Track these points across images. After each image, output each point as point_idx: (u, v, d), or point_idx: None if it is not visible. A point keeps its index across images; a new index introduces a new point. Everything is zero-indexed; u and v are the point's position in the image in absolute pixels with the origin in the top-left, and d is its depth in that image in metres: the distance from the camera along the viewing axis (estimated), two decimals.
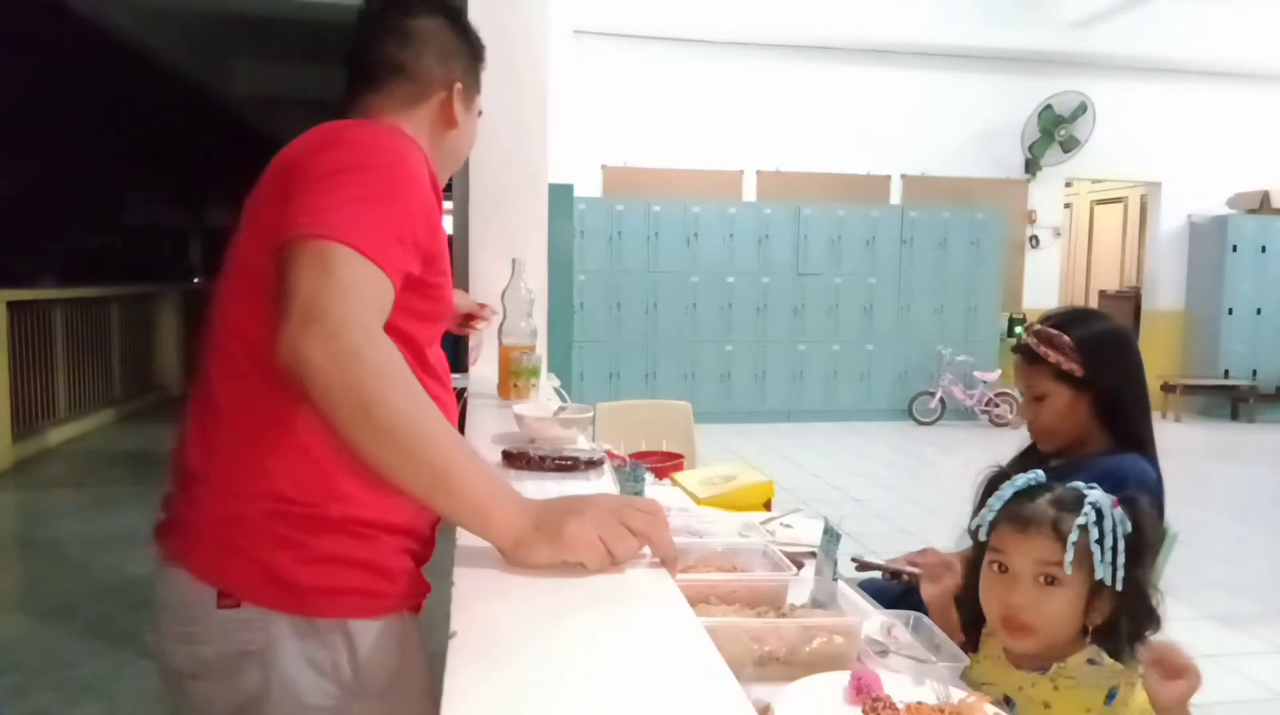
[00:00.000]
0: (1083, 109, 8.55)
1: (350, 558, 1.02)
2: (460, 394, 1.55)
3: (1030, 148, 8.68)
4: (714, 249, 7.97)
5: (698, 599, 1.12)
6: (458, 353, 2.35)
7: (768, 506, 2.05)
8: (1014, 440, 1.89)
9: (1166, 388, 8.69)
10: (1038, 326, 1.72)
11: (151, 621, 1.05)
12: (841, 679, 0.97)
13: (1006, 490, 1.21)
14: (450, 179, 1.46)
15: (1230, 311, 8.85)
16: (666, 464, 2.37)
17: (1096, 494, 1.15)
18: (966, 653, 1.19)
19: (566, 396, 2.12)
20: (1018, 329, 8.27)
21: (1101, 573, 1.12)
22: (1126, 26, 8.09)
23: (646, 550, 0.92)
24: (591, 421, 1.74)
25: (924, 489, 5.80)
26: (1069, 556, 1.11)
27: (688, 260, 7.94)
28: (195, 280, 12.74)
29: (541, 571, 0.88)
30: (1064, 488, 1.19)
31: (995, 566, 1.20)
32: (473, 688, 0.65)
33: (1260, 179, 9.01)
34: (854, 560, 1.84)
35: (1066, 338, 1.66)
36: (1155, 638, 1.12)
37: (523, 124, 2.63)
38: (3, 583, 4.05)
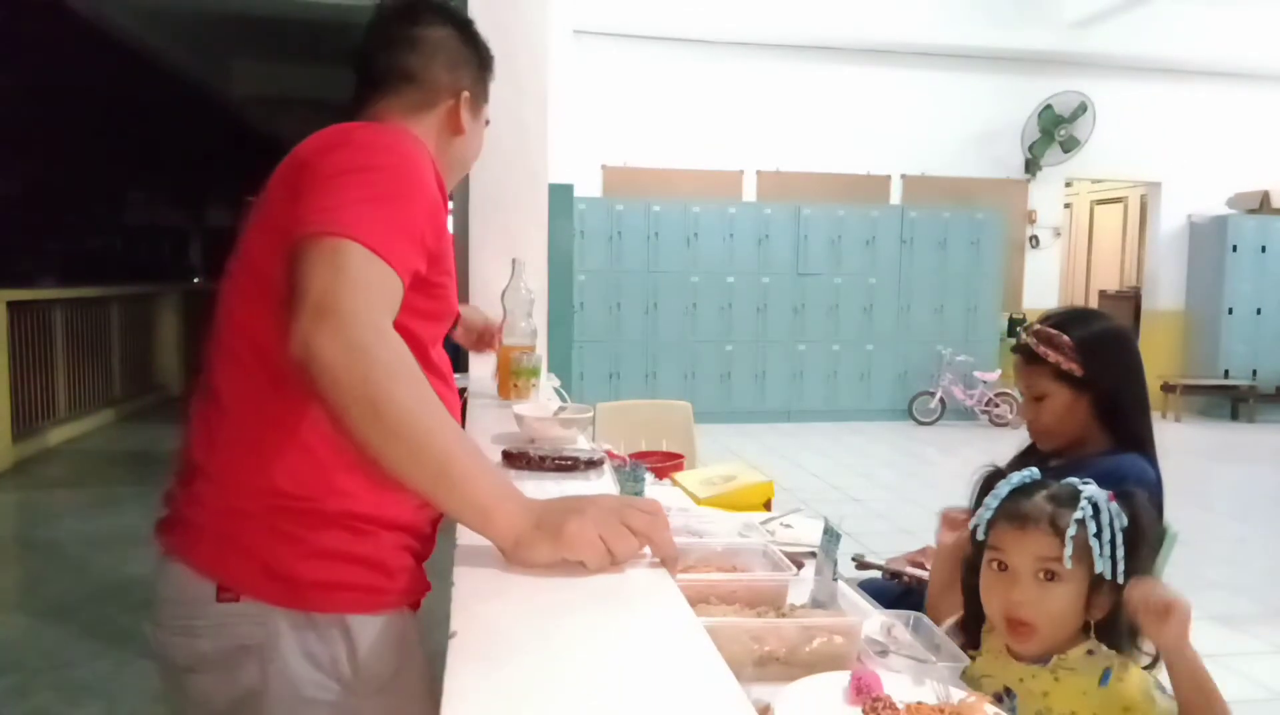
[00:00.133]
0: (1083, 109, 8.56)
1: (349, 553, 1.02)
2: (460, 393, 1.55)
3: (1030, 148, 8.69)
4: (714, 249, 7.97)
5: (698, 599, 1.12)
6: (459, 353, 2.35)
7: (768, 506, 2.05)
8: (1014, 440, 1.89)
9: (1166, 388, 8.69)
10: (1037, 326, 1.72)
11: (152, 615, 1.06)
12: (841, 679, 0.97)
13: (1003, 488, 1.21)
14: None
15: (1230, 311, 8.85)
16: (666, 464, 2.37)
17: (1091, 489, 1.16)
18: (966, 650, 1.19)
19: (566, 396, 2.12)
20: (1018, 329, 8.27)
21: (1101, 567, 1.12)
22: (1126, 26, 8.09)
23: (647, 550, 0.92)
24: (591, 421, 1.74)
25: (924, 489, 5.80)
26: (1068, 551, 1.12)
27: (688, 260, 7.94)
28: (195, 280, 12.74)
29: (541, 571, 0.88)
30: (1059, 484, 1.19)
31: (995, 565, 1.20)
32: (473, 688, 0.65)
33: (1260, 179, 9.01)
34: (854, 559, 1.84)
35: (1066, 338, 1.66)
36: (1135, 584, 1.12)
37: (523, 124, 2.63)
38: (3, 583, 4.05)
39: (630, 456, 2.07)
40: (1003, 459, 1.58)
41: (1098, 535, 1.12)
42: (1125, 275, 10.76)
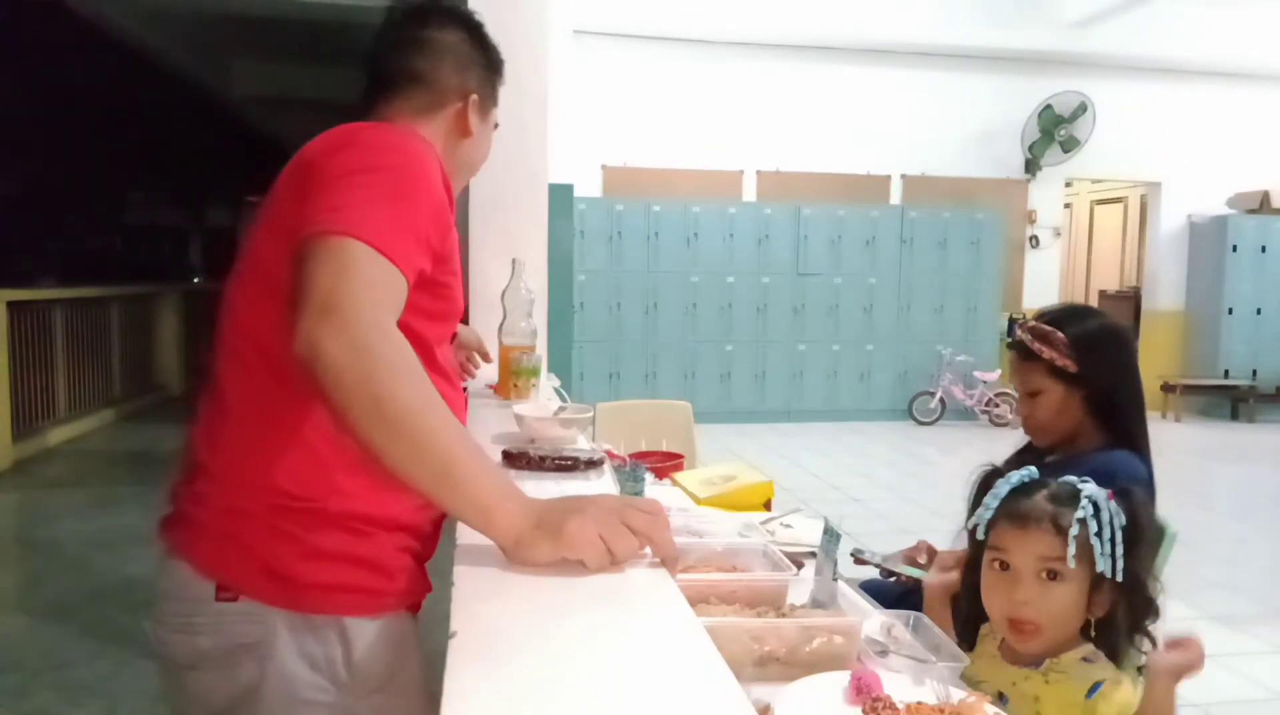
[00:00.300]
0: (1083, 109, 8.56)
1: (348, 555, 1.02)
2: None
3: (1030, 148, 8.69)
4: (714, 249, 7.97)
5: (698, 599, 1.11)
6: None
7: (768, 506, 2.05)
8: (1014, 440, 1.89)
9: (1166, 388, 8.69)
10: (1032, 323, 1.73)
11: (153, 612, 1.06)
12: (841, 679, 0.96)
13: (1002, 487, 1.21)
14: None
15: (1230, 311, 8.85)
16: (666, 464, 2.37)
17: (1091, 487, 1.16)
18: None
19: (566, 396, 2.12)
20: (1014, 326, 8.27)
21: (1102, 565, 1.13)
22: (1126, 26, 8.09)
23: (647, 550, 0.92)
24: (591, 421, 1.74)
25: (924, 489, 5.80)
26: (1071, 550, 1.12)
27: (688, 260, 7.94)
28: (195, 280, 12.74)
29: (542, 571, 0.88)
30: (1058, 484, 1.20)
31: (996, 565, 1.20)
32: (473, 688, 0.65)
33: (1260, 179, 9.01)
34: (852, 554, 1.84)
35: (1061, 334, 1.67)
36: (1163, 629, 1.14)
37: (523, 124, 2.63)
38: (3, 583, 4.05)
39: (630, 456, 2.07)
40: (1002, 459, 1.59)
41: (1099, 534, 1.12)
42: (1125, 275, 10.76)
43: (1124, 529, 1.14)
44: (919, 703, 0.95)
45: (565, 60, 7.01)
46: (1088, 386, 1.66)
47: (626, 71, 8.10)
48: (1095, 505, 1.14)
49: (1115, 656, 1.17)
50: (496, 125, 1.40)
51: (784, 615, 1.15)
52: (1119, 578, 1.13)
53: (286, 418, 1.01)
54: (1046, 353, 1.67)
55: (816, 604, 1.22)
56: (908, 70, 8.52)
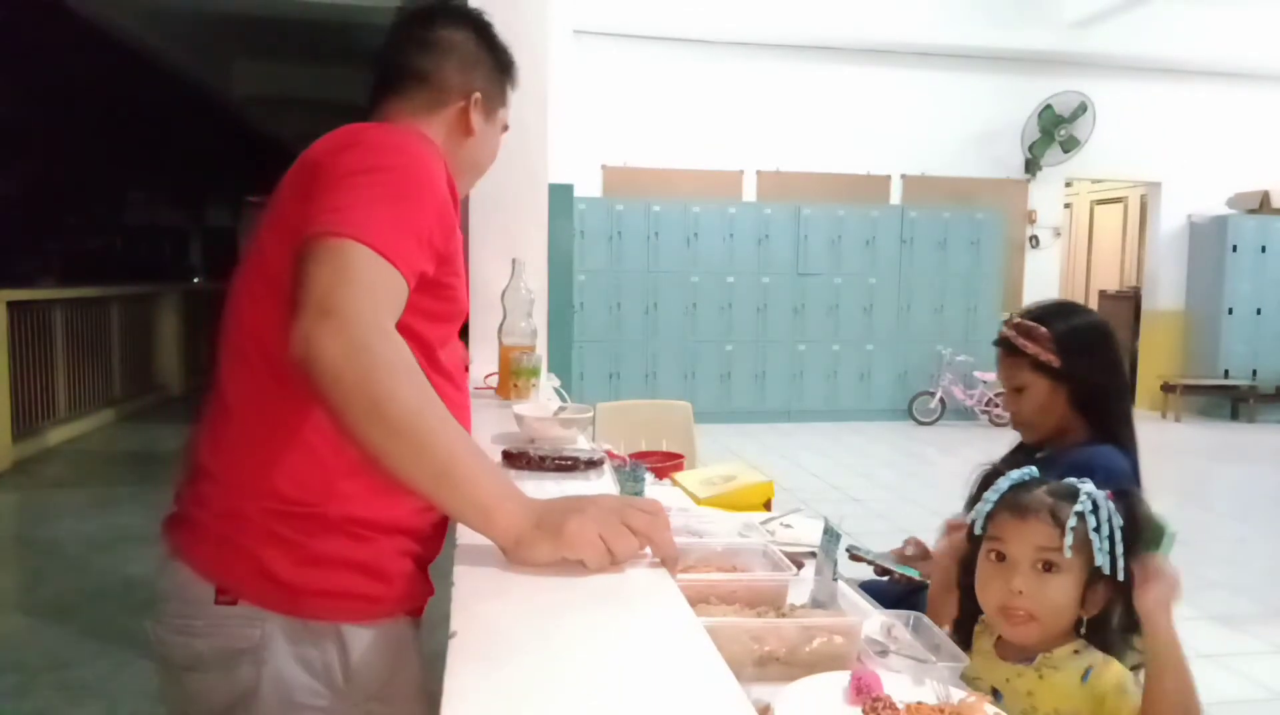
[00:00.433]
0: (1083, 109, 8.55)
1: (347, 560, 1.02)
2: None
3: (1030, 148, 8.68)
4: (714, 249, 7.97)
5: (698, 599, 1.11)
6: None
7: (768, 506, 2.05)
8: (1013, 440, 1.89)
9: (1166, 388, 8.69)
10: (1016, 319, 1.76)
11: (153, 612, 1.06)
12: (841, 679, 0.96)
13: (1003, 483, 1.23)
14: None
15: (1230, 311, 8.85)
16: (666, 464, 2.36)
17: (1090, 486, 1.18)
18: None
19: (566, 396, 2.12)
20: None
21: (1100, 560, 1.14)
22: (1126, 26, 8.09)
23: (647, 550, 0.92)
24: (591, 421, 1.74)
25: (924, 489, 5.80)
26: (1068, 541, 1.13)
27: (688, 260, 7.94)
28: (195, 280, 12.75)
29: (542, 571, 0.88)
30: (1058, 482, 1.21)
31: (993, 555, 1.21)
32: (473, 688, 0.65)
33: (1260, 179, 9.01)
34: (847, 550, 1.84)
35: (1044, 330, 1.69)
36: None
37: (523, 124, 2.61)
38: (3, 583, 4.05)
39: (630, 456, 2.07)
40: (1000, 458, 1.59)
41: (1097, 530, 1.14)
42: (1125, 275, 10.76)
43: (1122, 529, 1.15)
44: (919, 703, 0.95)
45: (565, 60, 7.01)
46: (1071, 381, 1.69)
47: (626, 71, 8.10)
48: (1095, 502, 1.15)
49: (1106, 654, 1.18)
50: (506, 128, 1.38)
51: (784, 615, 1.15)
52: (1119, 576, 1.13)
53: (288, 419, 1.01)
54: (1030, 348, 1.69)
55: (816, 604, 1.22)
56: (908, 70, 8.52)
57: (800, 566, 1.41)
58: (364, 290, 0.88)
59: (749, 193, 8.47)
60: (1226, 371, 8.85)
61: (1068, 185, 9.51)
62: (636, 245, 7.86)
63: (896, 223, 8.28)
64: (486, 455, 0.92)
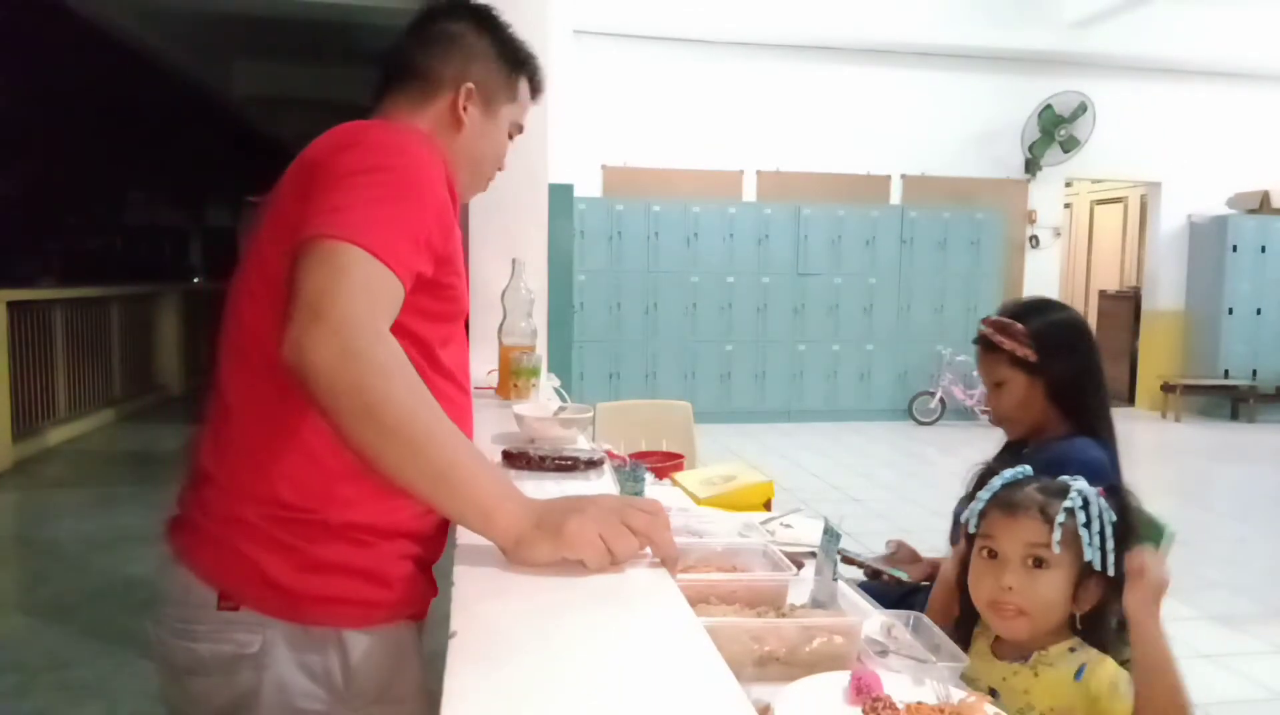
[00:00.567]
0: (1083, 109, 8.55)
1: (348, 566, 1.02)
2: None
3: (1030, 148, 8.68)
4: (714, 249, 7.97)
5: (698, 599, 1.11)
6: None
7: (768, 506, 2.05)
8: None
9: (1166, 388, 8.68)
10: (994, 316, 1.79)
11: (154, 614, 1.06)
12: (841, 679, 0.96)
13: (995, 482, 1.25)
14: None
15: (1230, 311, 8.85)
16: (666, 464, 2.36)
17: (1081, 483, 1.19)
18: None
19: (566, 396, 2.12)
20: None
21: (1090, 556, 1.15)
22: (1126, 26, 8.09)
23: (647, 550, 0.92)
24: (591, 421, 1.74)
25: (924, 489, 5.80)
26: (1056, 536, 1.14)
27: (688, 260, 7.94)
28: (195, 280, 12.75)
29: (542, 571, 0.88)
30: (1050, 480, 1.23)
31: (984, 552, 1.23)
32: (473, 688, 0.65)
33: (1260, 179, 9.00)
34: (839, 551, 1.84)
35: (1020, 326, 1.72)
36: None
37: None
38: (3, 583, 4.05)
39: (630, 456, 2.07)
40: (992, 457, 1.60)
41: (1087, 526, 1.15)
42: (1125, 275, 10.75)
43: (1114, 525, 1.16)
44: (919, 703, 0.95)
45: (565, 60, 7.00)
46: (1048, 376, 1.71)
47: (626, 71, 8.10)
48: (1085, 498, 1.16)
49: (1102, 651, 1.18)
50: (521, 129, 1.34)
51: (784, 615, 1.15)
52: (1110, 572, 1.15)
53: (288, 421, 1.00)
54: (1007, 344, 1.72)
55: (816, 604, 1.22)
56: (908, 70, 8.52)
57: (800, 566, 1.41)
58: (357, 293, 0.87)
59: (749, 193, 8.46)
60: (1226, 371, 8.85)
61: (1068, 185, 9.51)
62: (636, 245, 7.86)
63: (896, 223, 8.28)
64: (484, 456, 0.92)
